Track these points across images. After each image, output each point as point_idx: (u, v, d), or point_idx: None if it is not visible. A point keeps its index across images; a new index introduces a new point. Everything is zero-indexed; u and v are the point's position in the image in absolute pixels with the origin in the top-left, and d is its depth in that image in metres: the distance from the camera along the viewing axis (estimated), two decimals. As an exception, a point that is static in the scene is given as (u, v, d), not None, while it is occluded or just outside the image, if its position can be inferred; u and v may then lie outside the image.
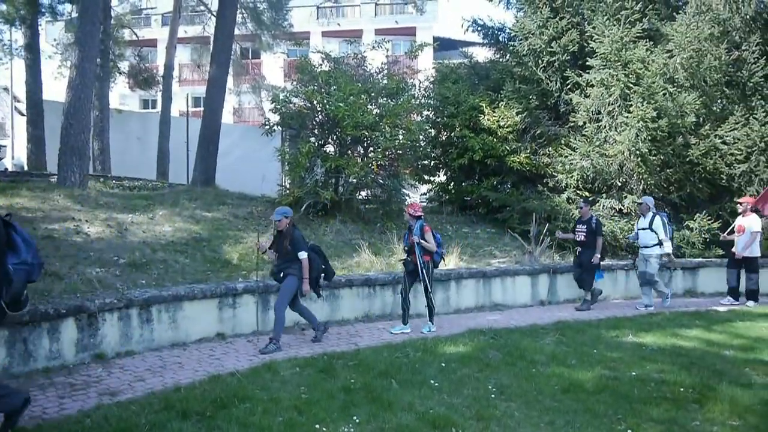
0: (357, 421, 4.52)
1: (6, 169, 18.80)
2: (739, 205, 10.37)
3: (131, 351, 6.50)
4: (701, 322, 8.47)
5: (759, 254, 10.07)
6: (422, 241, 7.57)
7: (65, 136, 11.16)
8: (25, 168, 17.48)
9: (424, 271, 7.59)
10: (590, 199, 12.24)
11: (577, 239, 9.62)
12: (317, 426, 4.40)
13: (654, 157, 11.85)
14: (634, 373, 5.81)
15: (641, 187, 12.21)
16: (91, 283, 7.07)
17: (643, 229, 9.60)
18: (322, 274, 7.20)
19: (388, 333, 7.62)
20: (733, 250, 10.16)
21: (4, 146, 26.18)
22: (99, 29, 12.53)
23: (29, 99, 16.92)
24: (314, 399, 4.95)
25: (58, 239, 8.21)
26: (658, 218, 9.46)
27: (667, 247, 9.46)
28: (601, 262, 9.53)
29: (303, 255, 6.82)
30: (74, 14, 18.28)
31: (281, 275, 6.92)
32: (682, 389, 5.33)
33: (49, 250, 7.73)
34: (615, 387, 5.39)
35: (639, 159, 11.76)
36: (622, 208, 12.19)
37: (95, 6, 11.58)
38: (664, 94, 11.76)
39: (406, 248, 7.97)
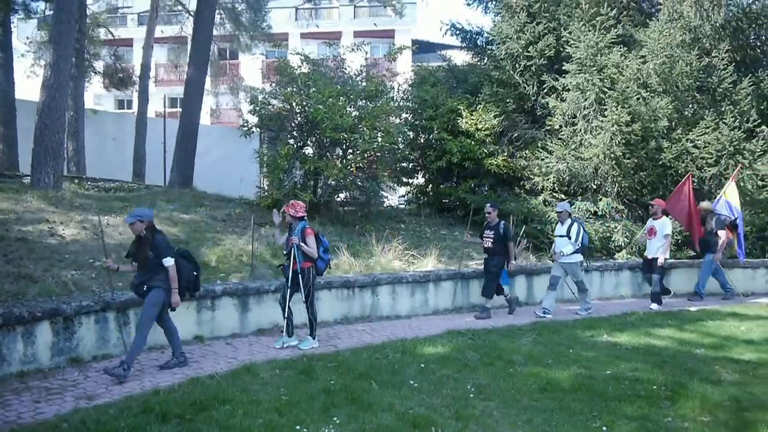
0: (337, 422, 4.55)
1: (-24, 170, 18.39)
2: (650, 207, 10.46)
3: (108, 354, 6.44)
4: (673, 321, 8.67)
5: (668, 256, 10.09)
6: (302, 244, 6.94)
7: (39, 136, 10.95)
8: (-4, 169, 17.10)
9: (301, 278, 6.95)
10: (563, 199, 12.35)
11: (484, 245, 9.25)
12: (298, 427, 4.43)
13: (628, 161, 12.09)
14: (608, 372, 5.94)
15: (615, 190, 12.45)
16: (67, 286, 6.99)
17: (561, 236, 9.36)
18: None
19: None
20: (645, 253, 10.30)
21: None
22: (74, 28, 12.36)
23: (1, 98, 16.54)
24: (294, 400, 4.98)
25: (32, 241, 8.08)
26: (575, 225, 9.27)
27: (567, 253, 9.16)
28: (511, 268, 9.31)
29: (169, 262, 5.94)
30: (48, 12, 18.00)
31: (144, 288, 5.96)
32: (654, 387, 5.48)
33: (23, 252, 7.62)
34: (590, 385, 5.51)
35: (613, 162, 11.99)
36: (597, 210, 12.40)
37: (70, 4, 11.41)
38: (638, 99, 12.00)
39: (285, 252, 7.25)
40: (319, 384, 5.44)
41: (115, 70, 22.57)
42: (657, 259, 9.89)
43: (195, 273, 6.31)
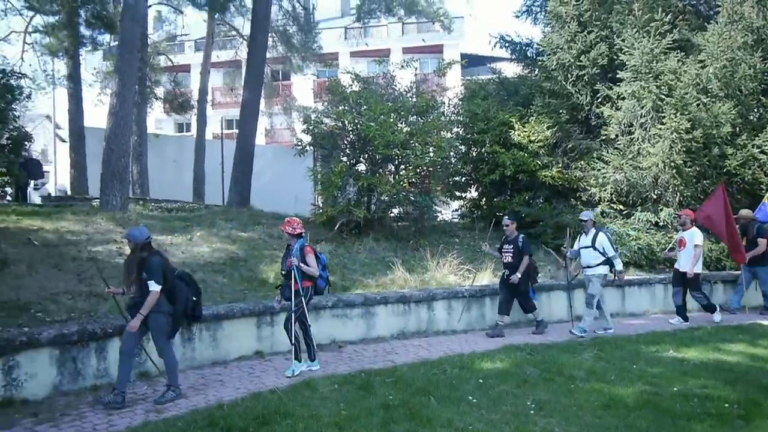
0: (397, 437, 4.57)
1: (49, 194, 19.52)
2: (677, 218, 9.95)
3: (174, 369, 6.66)
4: (745, 336, 8.29)
5: (701, 270, 9.56)
6: (302, 264, 6.53)
7: (107, 161, 11.53)
8: (69, 192, 18.09)
9: (302, 299, 6.57)
10: (621, 211, 12.07)
11: (504, 260, 8.80)
12: (358, 442, 4.47)
13: (689, 169, 11.70)
14: (675, 389, 5.73)
15: (677, 200, 12.05)
16: (134, 304, 7.29)
17: (586, 247, 8.77)
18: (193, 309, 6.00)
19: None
20: (675, 266, 9.72)
21: (47, 171, 27.10)
22: (137, 58, 13.00)
23: (72, 126, 17.56)
24: (354, 415, 5.02)
25: (102, 261, 8.48)
26: (602, 235, 8.72)
27: (618, 264, 8.75)
28: (536, 283, 8.95)
29: (154, 287, 5.61)
30: (113, 43, 19.00)
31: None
32: (726, 405, 5.25)
33: (93, 271, 7.99)
34: (656, 402, 5.34)
35: (674, 171, 11.62)
36: (658, 220, 12.01)
37: (134, 36, 12.04)
38: (698, 105, 11.63)
39: (283, 272, 6.82)
40: (377, 399, 5.46)
41: (175, 95, 23.54)
42: (688, 273, 9.41)
43: (194, 297, 6.00)
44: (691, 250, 9.39)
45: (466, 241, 12.63)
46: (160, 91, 23.36)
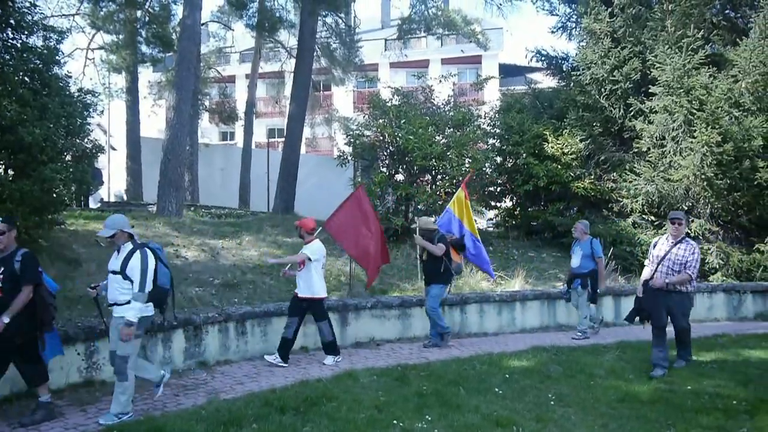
0: (429, 419, 5.16)
1: (102, 198, 20.71)
2: (296, 229, 7.83)
3: (229, 360, 7.40)
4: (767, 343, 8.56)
5: (324, 294, 7.41)
6: None
7: (164, 170, 12.46)
8: (125, 198, 19.25)
9: None
10: (653, 222, 12.31)
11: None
12: (395, 422, 5.07)
13: (720, 181, 11.95)
14: (689, 387, 6.15)
15: (708, 211, 12.31)
16: (192, 301, 8.05)
17: (114, 272, 5.30)
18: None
19: (456, 349, 8.08)
20: (296, 291, 7.43)
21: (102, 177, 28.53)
22: (193, 75, 13.97)
23: (129, 136, 18.71)
24: (391, 401, 5.63)
25: (162, 262, 9.30)
26: (137, 255, 5.25)
27: (134, 308, 5.21)
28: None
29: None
30: (168, 55, 20.08)
31: None
32: (735, 402, 5.65)
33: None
34: (669, 398, 5.78)
35: (705, 183, 11.90)
36: (689, 232, 12.26)
37: (191, 54, 13.00)
38: (730, 119, 11.90)
39: None
40: (412, 388, 6.06)
41: (223, 107, 24.65)
42: (311, 299, 7.30)
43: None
44: (312, 268, 7.29)
45: (499, 249, 13.11)
46: (207, 103, 24.47)
